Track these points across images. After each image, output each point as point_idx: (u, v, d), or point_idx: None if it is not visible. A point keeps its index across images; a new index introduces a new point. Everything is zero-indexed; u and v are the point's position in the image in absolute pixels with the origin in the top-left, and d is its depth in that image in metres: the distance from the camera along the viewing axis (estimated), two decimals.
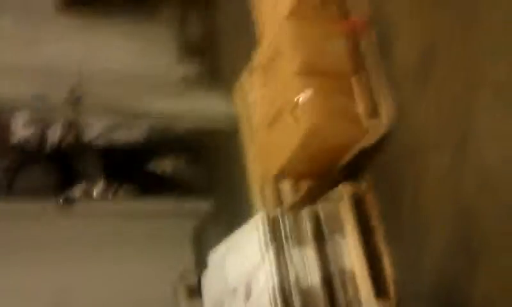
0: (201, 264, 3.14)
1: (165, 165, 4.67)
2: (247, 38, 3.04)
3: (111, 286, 3.93)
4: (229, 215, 3.89)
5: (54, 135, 4.54)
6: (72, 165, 4.54)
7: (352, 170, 2.53)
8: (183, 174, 4.63)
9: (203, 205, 4.32)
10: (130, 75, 4.05)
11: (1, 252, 3.75)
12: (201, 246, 3.99)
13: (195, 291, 3.52)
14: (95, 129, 5.02)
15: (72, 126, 5.23)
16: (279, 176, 2.67)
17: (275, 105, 2.46)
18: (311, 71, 2.31)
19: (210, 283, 2.82)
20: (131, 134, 4.96)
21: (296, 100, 2.29)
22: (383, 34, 2.35)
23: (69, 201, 3.96)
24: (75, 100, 3.46)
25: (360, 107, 2.31)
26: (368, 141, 2.36)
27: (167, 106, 3.83)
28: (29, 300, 3.74)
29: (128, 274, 3.99)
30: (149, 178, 4.59)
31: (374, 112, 2.32)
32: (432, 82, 2.12)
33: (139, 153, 4.58)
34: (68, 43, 4.15)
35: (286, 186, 2.83)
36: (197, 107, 3.88)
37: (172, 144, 4.59)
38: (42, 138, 4.53)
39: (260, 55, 2.65)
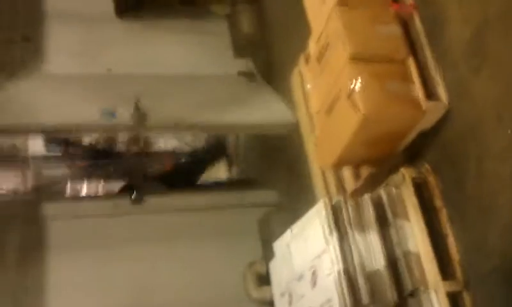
0: (268, 252, 3.22)
1: (220, 172, 4.80)
2: (300, 28, 3.06)
3: (184, 277, 4.08)
4: (293, 203, 3.95)
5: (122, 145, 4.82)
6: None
7: (413, 153, 2.53)
8: (245, 171, 4.74)
9: (267, 196, 4.40)
10: (189, 75, 4.19)
11: (80, 247, 4.00)
12: (268, 235, 4.07)
13: (264, 279, 3.62)
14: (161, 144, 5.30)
15: (138, 139, 5.49)
16: (340, 163, 2.69)
17: (331, 93, 2.47)
18: (363, 58, 2.31)
19: (278, 270, 2.89)
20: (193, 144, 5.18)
21: (351, 86, 2.31)
22: (434, 15, 2.32)
23: (138, 199, 4.15)
24: (141, 118, 3.60)
25: (417, 90, 2.29)
26: (427, 122, 2.35)
27: (227, 118, 3.93)
28: (110, 295, 3.94)
29: (200, 265, 4.12)
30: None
31: (431, 93, 2.31)
32: (487, 58, 2.09)
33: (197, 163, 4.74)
34: (129, 47, 4.34)
35: (347, 173, 2.86)
36: (256, 117, 3.97)
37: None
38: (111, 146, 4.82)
39: (313, 45, 2.68)
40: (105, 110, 3.58)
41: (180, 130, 4.12)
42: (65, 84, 4.00)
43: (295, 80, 3.26)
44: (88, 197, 5.68)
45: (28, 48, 4.23)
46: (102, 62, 4.24)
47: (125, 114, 3.62)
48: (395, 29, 2.37)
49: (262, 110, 4.00)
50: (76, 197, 5.20)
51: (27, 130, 3.85)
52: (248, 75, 4.37)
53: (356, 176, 2.79)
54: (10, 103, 3.77)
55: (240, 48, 4.52)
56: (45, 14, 4.36)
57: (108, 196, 5.55)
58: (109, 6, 4.37)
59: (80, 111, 3.61)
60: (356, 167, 2.77)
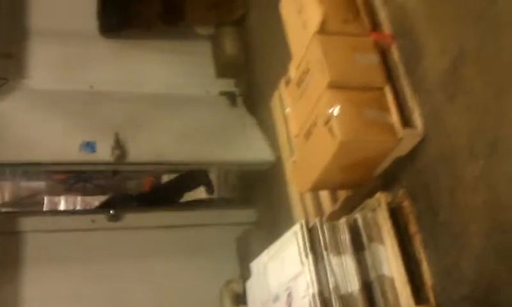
0: (246, 271, 3.24)
1: (200, 193, 4.83)
2: (282, 52, 3.12)
3: (161, 294, 4.08)
4: (271, 224, 3.98)
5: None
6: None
7: (389, 179, 2.58)
8: (224, 191, 4.77)
9: (246, 215, 4.42)
10: (171, 95, 4.21)
11: (57, 262, 3.96)
12: (246, 254, 4.09)
13: (240, 298, 3.63)
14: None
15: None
16: (317, 187, 2.73)
17: (310, 118, 2.52)
18: (342, 85, 2.37)
19: (254, 290, 2.90)
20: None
21: (328, 112, 2.36)
22: (411, 45, 2.39)
23: (117, 215, 4.14)
24: (121, 156, 3.62)
25: (393, 117, 2.35)
26: (403, 149, 2.41)
27: (206, 154, 3.99)
28: None
29: (177, 282, 4.13)
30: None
31: (407, 121, 2.37)
32: (462, 89, 2.15)
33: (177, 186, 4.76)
34: (111, 65, 4.36)
35: (325, 195, 2.91)
36: (237, 155, 4.03)
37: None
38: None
39: (293, 70, 2.73)
40: (85, 143, 3.56)
41: (159, 166, 4.13)
42: (47, 106, 4.00)
43: (275, 103, 3.32)
44: (66, 212, 5.65)
45: (10, 65, 4.24)
46: (85, 79, 4.25)
47: (105, 149, 3.63)
48: (374, 58, 2.44)
49: (242, 148, 4.06)
50: (54, 211, 5.15)
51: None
52: (229, 96, 4.42)
53: (334, 199, 2.84)
54: None
55: (223, 69, 4.58)
56: (27, 31, 4.37)
57: (86, 210, 5.53)
58: (92, 24, 4.39)
59: (61, 145, 3.62)
60: (334, 190, 2.82)
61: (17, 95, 4.09)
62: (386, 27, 2.52)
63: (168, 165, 4.06)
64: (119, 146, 3.59)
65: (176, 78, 4.46)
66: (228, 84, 4.59)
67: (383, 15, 2.55)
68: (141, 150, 3.81)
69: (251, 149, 4.03)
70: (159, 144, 3.90)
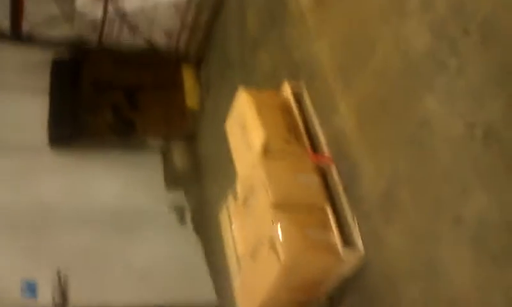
0: None
1: None
2: (230, 167, 3.17)
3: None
4: None
5: None
6: None
7: (335, 299, 2.56)
8: None
9: None
10: (120, 209, 4.16)
11: None
12: None
13: None
14: None
15: None
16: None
17: (255, 238, 2.52)
18: (285, 205, 2.40)
19: None
20: None
21: (272, 233, 2.37)
22: (349, 167, 2.47)
23: None
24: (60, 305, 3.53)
25: (335, 237, 2.37)
26: (346, 269, 2.41)
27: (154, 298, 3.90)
28: None
29: None
30: None
31: (348, 241, 2.39)
32: (398, 211, 2.20)
33: None
34: (61, 177, 4.31)
35: None
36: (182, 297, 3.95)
37: None
38: None
39: (239, 189, 2.76)
40: (26, 284, 3.45)
41: None
42: None
43: (223, 217, 3.30)
44: None
45: None
46: (33, 193, 4.16)
47: (45, 292, 3.51)
48: (314, 179, 2.50)
49: (187, 288, 3.99)
50: None
51: None
52: (179, 211, 4.40)
53: None
54: None
55: (173, 182, 4.60)
56: None
57: None
58: (41, 135, 4.37)
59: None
60: None
61: None
62: (326, 149, 2.61)
63: None
64: (60, 289, 3.47)
65: (126, 191, 4.41)
66: (178, 198, 4.57)
67: (322, 137, 2.65)
68: (85, 294, 3.68)
69: (195, 289, 3.97)
70: (103, 285, 3.80)
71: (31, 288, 3.44)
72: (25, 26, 4.31)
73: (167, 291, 3.92)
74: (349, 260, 2.36)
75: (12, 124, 4.37)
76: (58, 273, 3.50)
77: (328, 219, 2.41)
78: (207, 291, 3.86)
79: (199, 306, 3.94)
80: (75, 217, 4.07)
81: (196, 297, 3.91)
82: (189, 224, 4.41)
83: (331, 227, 2.39)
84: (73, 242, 3.86)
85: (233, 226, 2.92)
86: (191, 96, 4.63)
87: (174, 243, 4.23)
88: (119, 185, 4.41)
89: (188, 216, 4.41)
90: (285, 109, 2.77)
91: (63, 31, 4.46)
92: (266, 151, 2.51)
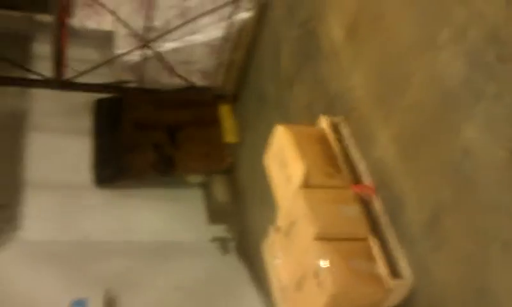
0: None
1: None
2: (271, 199, 3.21)
3: None
4: None
5: None
6: None
7: None
8: None
9: None
10: (164, 242, 4.25)
11: None
12: None
13: None
14: None
15: None
16: None
17: (299, 270, 2.54)
18: (326, 238, 2.42)
19: None
20: None
21: (317, 265, 2.39)
22: (392, 197, 2.49)
23: None
24: None
25: (380, 268, 2.38)
26: (393, 300, 2.40)
27: None
28: None
29: None
30: None
31: (394, 272, 2.39)
32: (444, 239, 2.20)
33: None
34: (106, 214, 4.45)
35: None
36: None
37: None
38: None
39: (280, 222, 2.80)
40: (76, 302, 3.54)
41: None
42: (38, 259, 4.00)
43: (266, 250, 3.34)
44: None
45: (4, 215, 4.31)
46: (78, 229, 4.31)
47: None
48: (356, 209, 2.52)
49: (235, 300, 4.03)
50: None
51: None
52: (221, 242, 4.47)
53: None
54: None
55: (215, 215, 4.69)
56: (22, 182, 4.50)
57: None
58: (86, 175, 4.55)
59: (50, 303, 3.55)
60: None
61: (7, 247, 4.11)
62: (367, 180, 2.63)
63: None
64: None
65: (169, 226, 4.54)
66: (220, 230, 4.66)
67: (362, 168, 2.68)
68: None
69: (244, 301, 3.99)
70: (148, 303, 3.86)
71: (80, 304, 3.51)
72: (68, 73, 4.50)
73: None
74: (395, 291, 2.35)
75: (58, 165, 4.59)
76: (106, 293, 3.56)
77: (372, 250, 2.42)
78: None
79: None
80: (120, 250, 4.19)
81: None
82: (232, 254, 4.47)
83: (376, 257, 2.40)
84: (119, 269, 3.94)
85: (276, 259, 2.95)
86: (229, 132, 4.75)
87: (218, 268, 4.29)
88: (161, 221, 4.54)
89: (231, 247, 4.47)
90: (323, 142, 2.81)
91: (103, 75, 4.64)
92: (306, 183, 2.55)
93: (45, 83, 4.48)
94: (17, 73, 4.46)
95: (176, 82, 4.69)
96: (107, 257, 4.02)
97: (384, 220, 2.50)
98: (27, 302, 3.69)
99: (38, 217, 4.35)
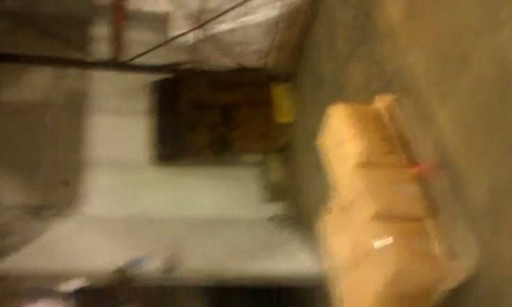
0: None
1: None
2: (326, 179, 3.25)
3: None
4: None
5: None
6: None
7: None
8: None
9: None
10: (220, 219, 4.37)
11: None
12: None
13: None
14: None
15: None
16: None
17: (356, 250, 2.57)
18: (385, 217, 2.43)
19: None
20: None
21: (375, 244, 2.41)
22: (452, 176, 2.46)
23: None
24: (168, 270, 3.73)
25: (438, 249, 2.38)
26: (452, 282, 2.40)
27: (255, 268, 4.05)
28: None
29: None
30: None
31: (453, 253, 2.38)
32: (505, 218, 2.18)
33: None
34: (163, 192, 4.61)
35: None
36: (284, 269, 4.06)
37: None
38: None
39: (336, 202, 2.83)
40: (135, 259, 3.71)
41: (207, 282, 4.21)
42: (98, 229, 4.22)
43: (323, 228, 3.38)
44: None
45: (67, 192, 4.53)
46: (137, 205, 4.49)
47: (154, 264, 3.74)
48: (415, 189, 2.52)
49: (289, 261, 4.10)
50: None
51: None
52: (277, 219, 4.56)
53: None
54: (50, 247, 3.96)
55: (270, 194, 4.77)
56: (83, 160, 4.73)
57: None
58: (144, 154, 4.71)
59: (112, 259, 3.73)
60: None
61: (71, 220, 4.35)
62: (424, 159, 2.62)
63: (215, 281, 4.07)
64: (168, 260, 3.66)
65: (226, 203, 4.69)
66: (276, 208, 4.75)
67: (420, 147, 2.66)
68: (190, 264, 3.88)
69: (298, 262, 4.06)
70: (208, 259, 4.01)
71: (139, 261, 3.69)
72: (125, 55, 4.64)
73: (272, 266, 4.06)
74: (454, 271, 2.35)
75: (118, 144, 4.77)
76: (164, 255, 3.69)
77: (431, 230, 2.42)
78: (313, 267, 3.87)
79: (306, 277, 3.98)
80: (178, 225, 4.35)
81: (303, 270, 3.98)
82: (289, 229, 4.56)
83: (435, 237, 2.39)
84: (178, 234, 4.09)
85: (332, 237, 3.00)
86: (282, 112, 4.80)
87: (275, 237, 4.41)
88: (217, 198, 4.68)
89: (287, 225, 4.57)
90: (380, 121, 2.81)
91: (159, 57, 4.75)
92: (364, 162, 2.56)
93: (104, 65, 4.63)
94: (77, 56, 4.66)
95: (231, 62, 4.77)
96: (164, 230, 4.15)
97: (443, 200, 2.49)
98: (88, 260, 3.88)
99: (99, 193, 4.57)
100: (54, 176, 4.61)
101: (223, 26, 4.49)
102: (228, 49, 4.61)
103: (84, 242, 4.06)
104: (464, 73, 2.45)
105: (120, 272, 3.58)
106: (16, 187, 4.49)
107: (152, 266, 3.72)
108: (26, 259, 3.79)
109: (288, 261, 4.13)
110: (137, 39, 4.67)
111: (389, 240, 2.36)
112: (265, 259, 4.10)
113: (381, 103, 2.93)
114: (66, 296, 4.57)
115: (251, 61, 4.73)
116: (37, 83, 4.97)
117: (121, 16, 4.42)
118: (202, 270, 3.91)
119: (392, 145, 2.71)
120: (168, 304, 4.31)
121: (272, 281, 4.01)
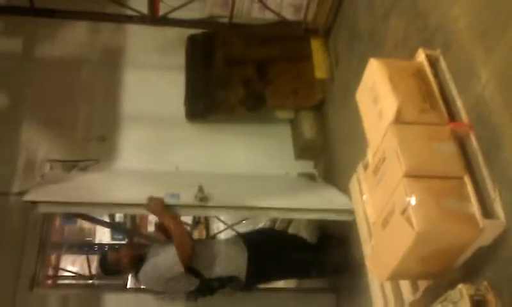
0: None
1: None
2: (359, 137, 3.17)
3: None
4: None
5: None
6: None
7: (471, 270, 2.48)
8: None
9: (326, 302, 4.39)
10: (252, 174, 4.36)
11: None
12: None
13: None
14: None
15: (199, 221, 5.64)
16: (395, 277, 2.67)
17: (387, 207, 2.51)
18: (419, 174, 2.36)
19: None
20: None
21: (406, 202, 2.34)
22: (490, 136, 2.37)
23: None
24: (202, 199, 3.74)
25: (473, 208, 2.30)
26: (485, 240, 2.33)
27: (287, 202, 3.99)
28: None
29: None
30: None
31: (488, 211, 2.30)
32: None
33: None
34: (196, 148, 4.62)
35: (405, 283, 2.83)
36: (316, 202, 3.99)
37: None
38: None
39: (370, 158, 2.76)
40: (170, 193, 3.71)
41: (240, 212, 4.22)
42: (134, 176, 4.29)
43: (353, 187, 3.33)
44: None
45: (103, 147, 4.59)
46: (171, 160, 4.52)
47: (188, 196, 3.74)
48: (451, 147, 2.42)
49: (323, 197, 4.06)
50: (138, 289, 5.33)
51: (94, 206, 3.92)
52: (308, 177, 4.51)
53: (414, 288, 2.76)
54: (80, 185, 4.06)
55: (302, 151, 4.70)
56: (119, 115, 4.76)
57: None
58: (179, 110, 4.70)
59: (146, 193, 3.74)
60: (414, 280, 2.74)
61: (107, 170, 4.45)
62: (464, 117, 2.51)
63: (248, 211, 4.05)
64: (202, 193, 3.68)
65: (257, 160, 4.66)
66: (307, 166, 4.71)
67: (460, 104, 2.55)
68: (223, 196, 3.88)
69: (330, 198, 4.02)
70: (240, 192, 4.02)
71: (174, 195, 3.71)
72: (161, 9, 4.59)
73: (302, 198, 4.07)
74: (488, 230, 2.27)
75: (152, 99, 4.78)
76: (199, 186, 3.70)
77: (466, 189, 2.33)
78: (346, 204, 3.78)
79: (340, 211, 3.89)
80: (211, 175, 4.36)
81: (336, 205, 3.91)
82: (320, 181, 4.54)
83: (469, 197, 2.31)
84: (210, 181, 4.01)
85: (364, 195, 2.94)
86: (320, 68, 4.67)
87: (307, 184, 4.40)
88: (250, 155, 4.67)
89: (318, 180, 4.54)
90: (419, 77, 2.69)
91: (195, 11, 4.69)
92: (399, 119, 2.47)
93: (140, 19, 4.61)
94: (113, 10, 4.64)
95: (268, 16, 4.66)
96: (197, 177, 4.13)
97: (480, 159, 2.39)
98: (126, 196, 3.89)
99: (133, 148, 4.61)
100: (90, 132, 4.68)
101: None
102: (266, 2, 4.50)
103: (121, 186, 4.10)
104: (510, 27, 2.30)
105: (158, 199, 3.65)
106: (52, 143, 4.56)
107: (187, 197, 3.74)
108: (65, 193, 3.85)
109: (322, 195, 4.12)
110: None
111: (417, 198, 2.29)
112: (296, 196, 4.13)
113: (422, 57, 2.80)
114: None
115: (289, 15, 4.61)
116: (72, 38, 4.98)
117: None
118: (234, 198, 3.93)
119: (431, 102, 2.60)
120: None
121: (303, 213, 3.97)
